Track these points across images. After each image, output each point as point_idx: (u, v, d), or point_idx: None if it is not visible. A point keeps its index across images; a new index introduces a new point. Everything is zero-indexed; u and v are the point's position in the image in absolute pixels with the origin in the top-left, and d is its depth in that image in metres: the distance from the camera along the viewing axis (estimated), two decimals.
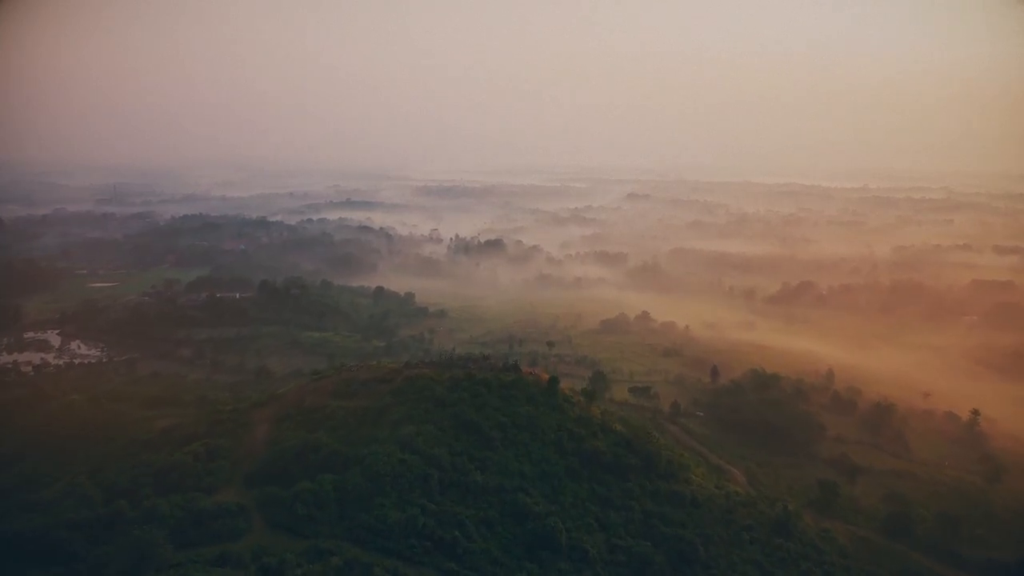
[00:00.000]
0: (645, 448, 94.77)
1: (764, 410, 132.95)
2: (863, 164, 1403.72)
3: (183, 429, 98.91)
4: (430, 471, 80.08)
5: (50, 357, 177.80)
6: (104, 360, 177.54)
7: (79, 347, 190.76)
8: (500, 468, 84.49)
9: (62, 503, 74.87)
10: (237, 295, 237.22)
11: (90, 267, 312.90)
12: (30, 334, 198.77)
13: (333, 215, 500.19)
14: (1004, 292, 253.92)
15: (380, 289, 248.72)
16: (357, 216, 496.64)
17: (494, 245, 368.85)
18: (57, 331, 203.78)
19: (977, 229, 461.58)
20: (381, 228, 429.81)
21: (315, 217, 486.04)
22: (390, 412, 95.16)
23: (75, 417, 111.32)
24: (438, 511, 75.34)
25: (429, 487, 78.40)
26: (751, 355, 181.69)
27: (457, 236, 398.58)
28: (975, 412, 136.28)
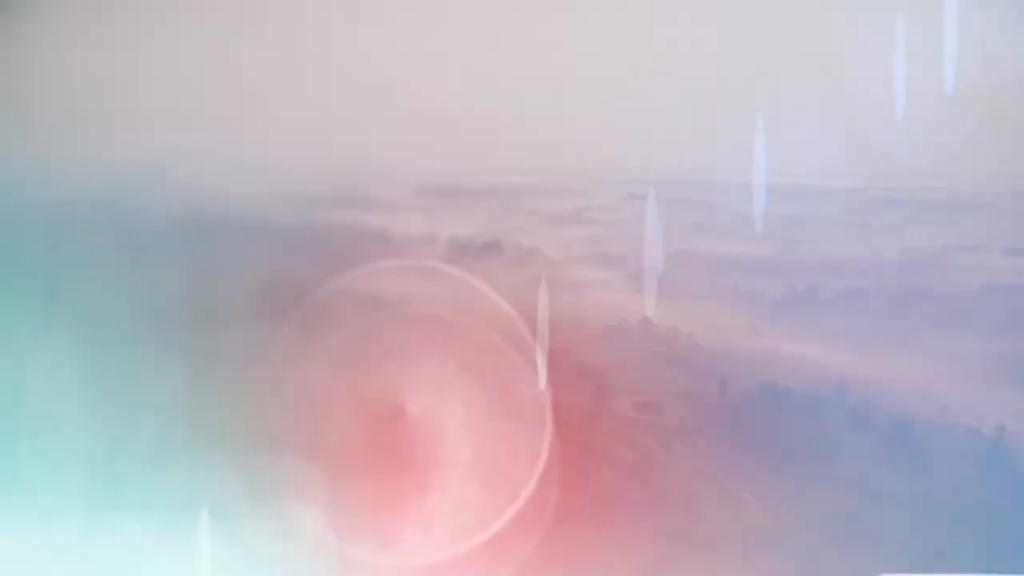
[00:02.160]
0: (654, 478, 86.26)
1: (777, 427, 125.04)
2: (863, 163, 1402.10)
3: None
4: None
5: None
6: None
7: None
8: None
9: None
10: None
11: None
12: None
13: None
14: (1018, 296, 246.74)
15: None
16: (351, 215, 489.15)
17: (492, 246, 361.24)
18: None
19: (985, 230, 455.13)
20: (376, 229, 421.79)
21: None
22: None
23: None
24: None
25: None
26: (759, 364, 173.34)
27: (454, 237, 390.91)
28: (1001, 428, 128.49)
